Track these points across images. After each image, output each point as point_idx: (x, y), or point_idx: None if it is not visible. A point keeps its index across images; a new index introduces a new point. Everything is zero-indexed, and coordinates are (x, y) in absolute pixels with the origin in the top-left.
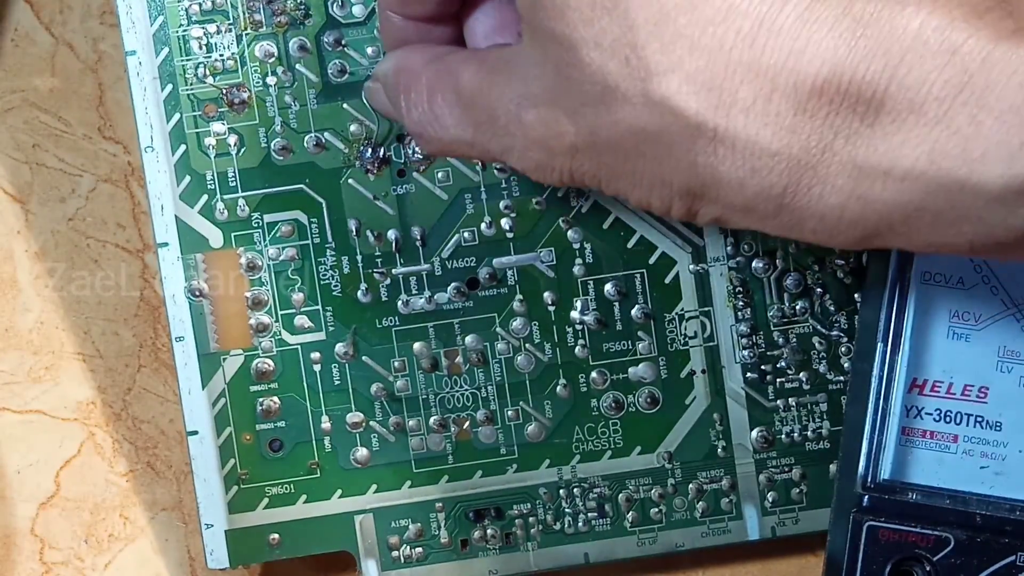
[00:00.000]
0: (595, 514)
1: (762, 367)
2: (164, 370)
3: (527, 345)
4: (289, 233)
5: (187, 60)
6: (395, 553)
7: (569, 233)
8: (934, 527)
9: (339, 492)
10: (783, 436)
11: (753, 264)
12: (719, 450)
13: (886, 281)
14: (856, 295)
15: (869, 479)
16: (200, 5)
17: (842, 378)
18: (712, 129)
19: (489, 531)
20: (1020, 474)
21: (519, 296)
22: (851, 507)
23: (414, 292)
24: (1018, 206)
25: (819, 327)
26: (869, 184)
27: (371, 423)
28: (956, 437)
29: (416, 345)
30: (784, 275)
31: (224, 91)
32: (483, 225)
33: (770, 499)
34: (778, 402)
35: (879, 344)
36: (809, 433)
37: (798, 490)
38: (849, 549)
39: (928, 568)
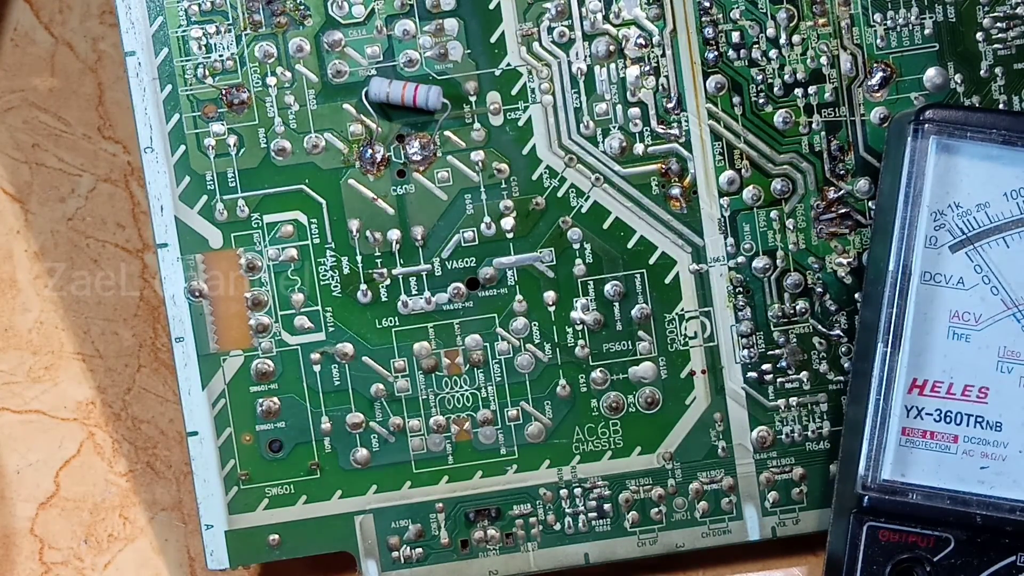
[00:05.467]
0: (595, 514)
1: (762, 367)
2: (164, 370)
3: (527, 345)
4: (289, 234)
5: (186, 60)
6: (395, 553)
7: (569, 233)
8: (934, 527)
9: (339, 492)
10: (783, 436)
11: (753, 264)
12: (719, 450)
13: (886, 281)
14: (856, 295)
15: (869, 479)
16: (199, 5)
17: (842, 378)
18: None
19: (489, 531)
20: (1020, 474)
21: (519, 296)
22: (851, 507)
23: (414, 292)
24: None
25: (819, 327)
26: None
27: (371, 424)
28: (956, 437)
29: (416, 345)
30: (784, 275)
31: (224, 92)
32: (483, 225)
33: (770, 499)
34: (778, 402)
35: (879, 344)
36: (809, 433)
37: (798, 490)
38: (849, 549)
39: (928, 568)
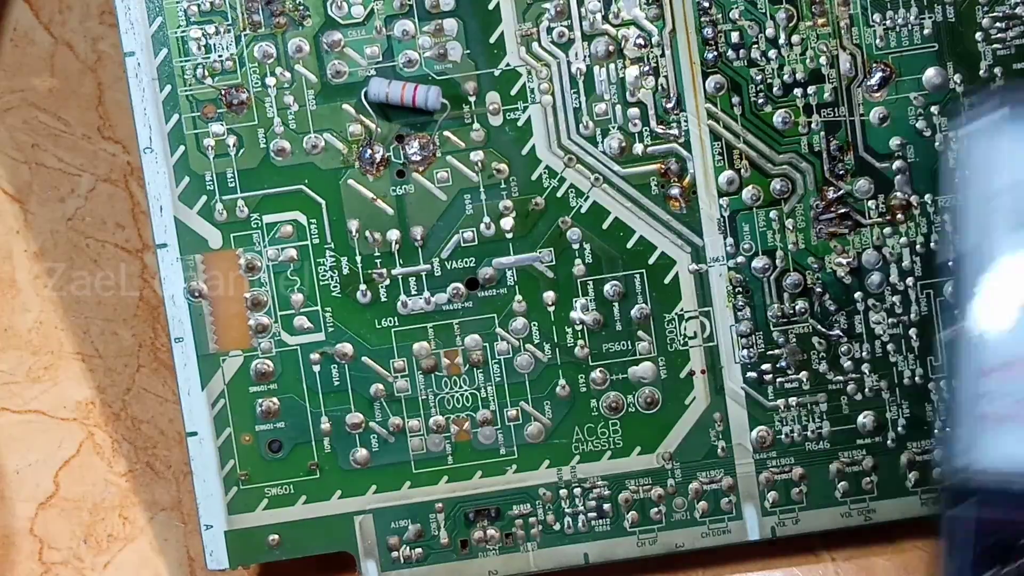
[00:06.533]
0: (595, 514)
1: (762, 367)
2: (163, 370)
3: (527, 345)
4: (288, 234)
5: (186, 61)
6: (395, 554)
7: (568, 233)
8: None
9: (339, 493)
10: (783, 436)
11: (752, 264)
12: (719, 450)
13: (972, 264)
14: (856, 295)
15: (974, 467)
16: (199, 6)
17: (842, 378)
18: None
19: (489, 532)
20: None
21: (519, 296)
22: (957, 497)
23: (413, 293)
24: None
25: (819, 327)
26: None
27: (371, 424)
28: None
29: (416, 345)
30: (784, 275)
31: (223, 92)
32: (482, 225)
33: (770, 499)
34: (778, 402)
35: (977, 327)
36: (809, 433)
37: (798, 490)
38: (960, 540)
39: None
